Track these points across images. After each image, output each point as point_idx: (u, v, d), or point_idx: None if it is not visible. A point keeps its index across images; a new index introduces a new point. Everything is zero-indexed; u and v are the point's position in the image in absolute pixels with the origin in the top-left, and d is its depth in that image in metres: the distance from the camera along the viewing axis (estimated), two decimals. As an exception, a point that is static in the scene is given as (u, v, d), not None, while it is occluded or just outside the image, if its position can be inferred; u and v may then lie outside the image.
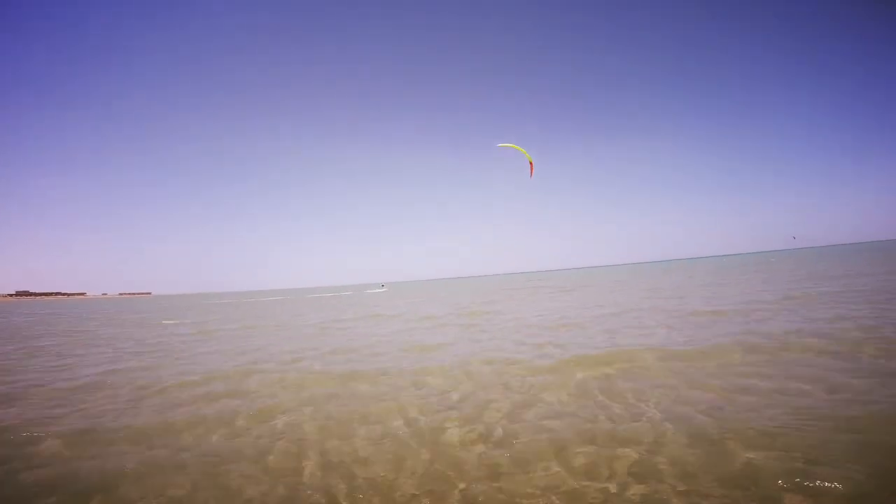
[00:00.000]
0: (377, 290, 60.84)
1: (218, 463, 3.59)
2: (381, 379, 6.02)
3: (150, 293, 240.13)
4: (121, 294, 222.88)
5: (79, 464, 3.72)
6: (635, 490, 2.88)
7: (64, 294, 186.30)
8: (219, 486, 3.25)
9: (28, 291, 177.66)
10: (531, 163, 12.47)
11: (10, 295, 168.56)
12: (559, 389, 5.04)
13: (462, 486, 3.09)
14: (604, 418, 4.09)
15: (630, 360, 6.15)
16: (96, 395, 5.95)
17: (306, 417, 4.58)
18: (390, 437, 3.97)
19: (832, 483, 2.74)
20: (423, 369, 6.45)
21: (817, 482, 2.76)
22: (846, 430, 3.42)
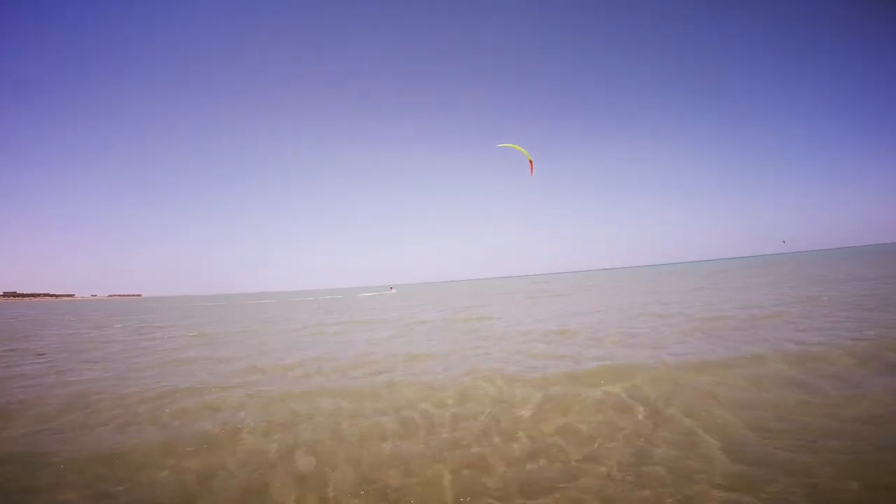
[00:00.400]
0: (368, 294, 60.33)
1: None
2: (375, 394, 5.60)
3: (139, 295, 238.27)
4: (110, 296, 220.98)
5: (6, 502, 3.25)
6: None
7: (52, 295, 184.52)
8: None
9: (15, 292, 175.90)
10: (531, 162, 12.53)
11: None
12: (572, 409, 4.64)
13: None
14: (632, 447, 3.73)
15: (649, 373, 5.72)
16: (38, 412, 5.38)
17: (281, 444, 4.12)
18: (384, 465, 3.63)
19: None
20: (416, 384, 5.98)
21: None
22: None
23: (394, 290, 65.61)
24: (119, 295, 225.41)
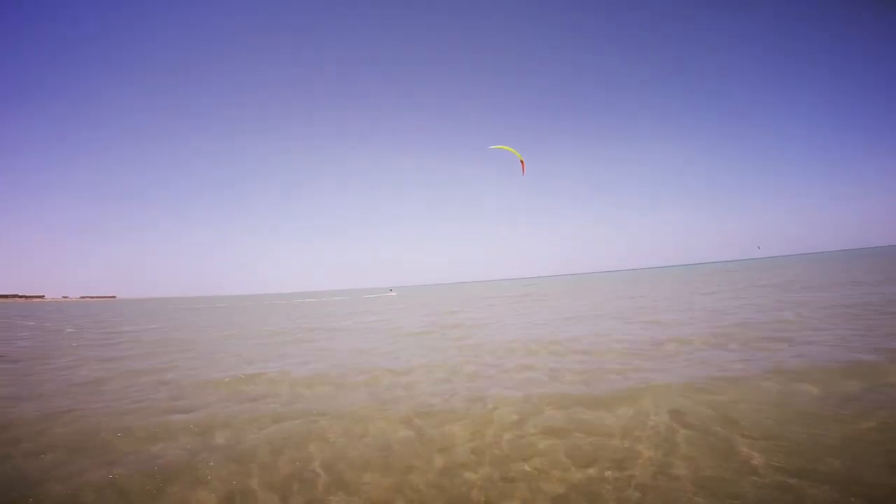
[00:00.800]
0: (370, 297, 59.96)
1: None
2: (344, 420, 5.11)
3: (114, 297, 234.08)
4: (82, 297, 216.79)
5: None
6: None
7: (22, 297, 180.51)
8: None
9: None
10: (522, 162, 13.50)
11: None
12: (567, 435, 4.24)
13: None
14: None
15: (657, 393, 5.31)
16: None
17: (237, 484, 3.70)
18: None
19: None
20: (394, 410, 5.48)
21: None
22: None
23: (393, 293, 65.36)
24: (92, 297, 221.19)
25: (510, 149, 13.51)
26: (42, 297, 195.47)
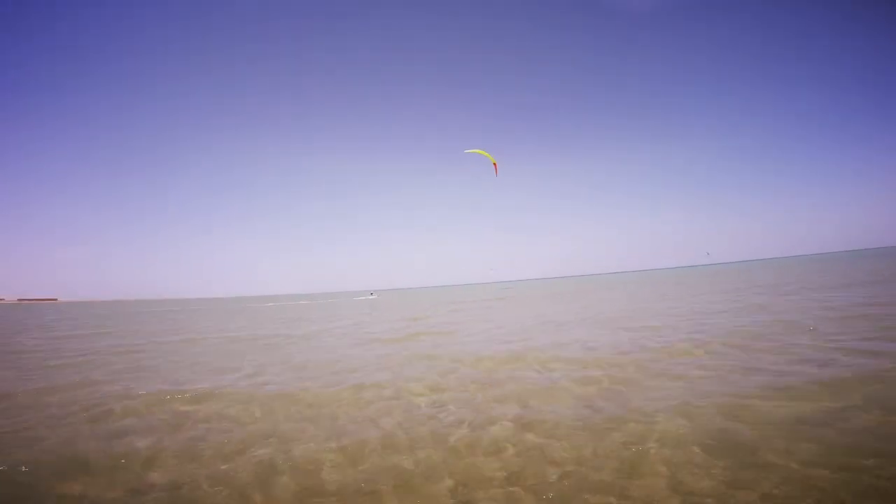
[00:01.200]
0: (316, 302, 59.55)
1: None
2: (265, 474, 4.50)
3: (55, 299, 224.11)
4: (20, 300, 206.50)
5: None
6: None
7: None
8: None
9: None
10: (495, 164, 14.70)
11: None
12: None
13: None
14: None
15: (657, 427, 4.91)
16: None
17: None
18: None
19: None
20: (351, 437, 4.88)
21: None
22: None
23: (374, 296, 67.05)
24: (30, 299, 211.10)
25: (484, 152, 14.62)
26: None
